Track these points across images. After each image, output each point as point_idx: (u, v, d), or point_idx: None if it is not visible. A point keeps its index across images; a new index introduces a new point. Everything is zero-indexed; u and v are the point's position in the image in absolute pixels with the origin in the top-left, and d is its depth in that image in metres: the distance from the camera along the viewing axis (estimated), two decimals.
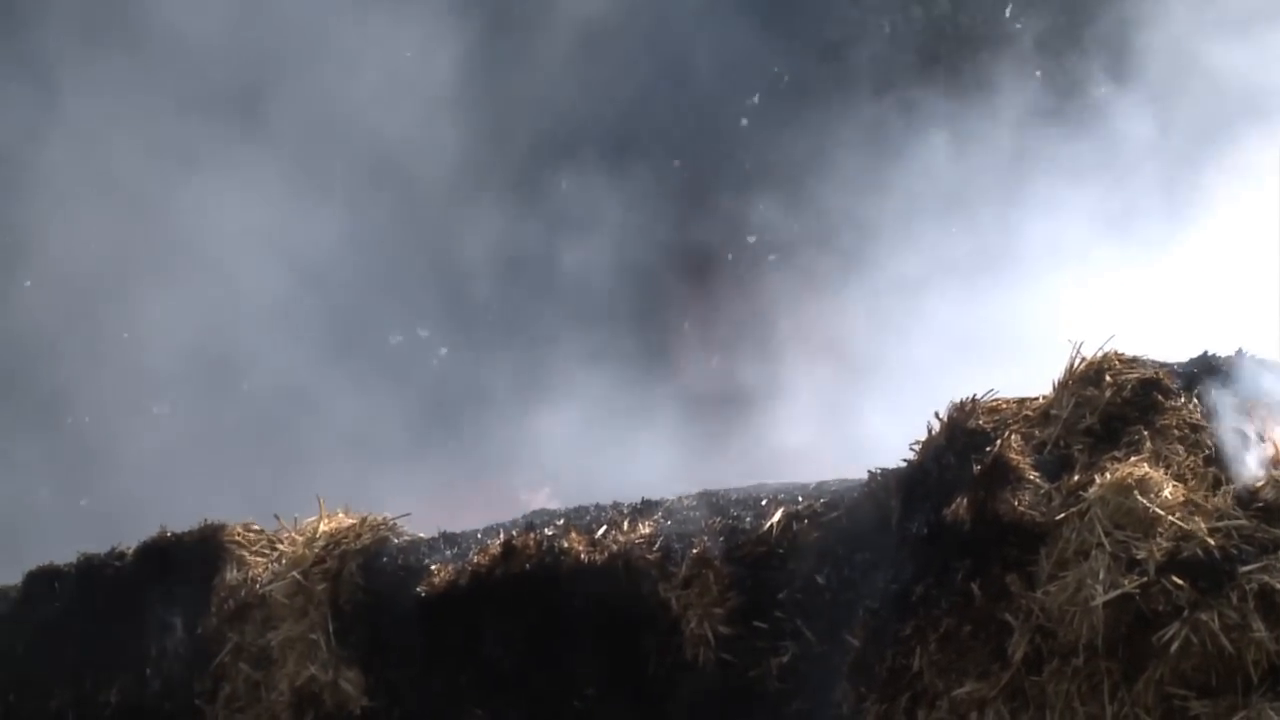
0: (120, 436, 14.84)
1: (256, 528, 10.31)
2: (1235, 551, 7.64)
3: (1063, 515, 7.89)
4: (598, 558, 9.11)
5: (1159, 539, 7.69)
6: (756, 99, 15.31)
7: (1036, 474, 8.11)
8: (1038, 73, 14.61)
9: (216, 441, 14.55)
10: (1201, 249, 10.72)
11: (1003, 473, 8.12)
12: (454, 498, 12.43)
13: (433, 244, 15.07)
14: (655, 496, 9.48)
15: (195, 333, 14.89)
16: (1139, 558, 7.68)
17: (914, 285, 12.68)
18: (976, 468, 8.20)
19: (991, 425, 8.37)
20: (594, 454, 12.81)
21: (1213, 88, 12.34)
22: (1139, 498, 7.77)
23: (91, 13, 15.33)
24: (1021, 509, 8.00)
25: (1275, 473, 7.93)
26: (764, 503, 9.21)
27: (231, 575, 10.08)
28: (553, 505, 10.19)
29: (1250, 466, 7.98)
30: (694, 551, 8.97)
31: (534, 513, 10.03)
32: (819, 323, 13.01)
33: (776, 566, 8.87)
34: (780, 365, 13.03)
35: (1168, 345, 8.55)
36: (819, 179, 14.33)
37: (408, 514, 10.02)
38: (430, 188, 15.06)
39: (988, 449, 8.23)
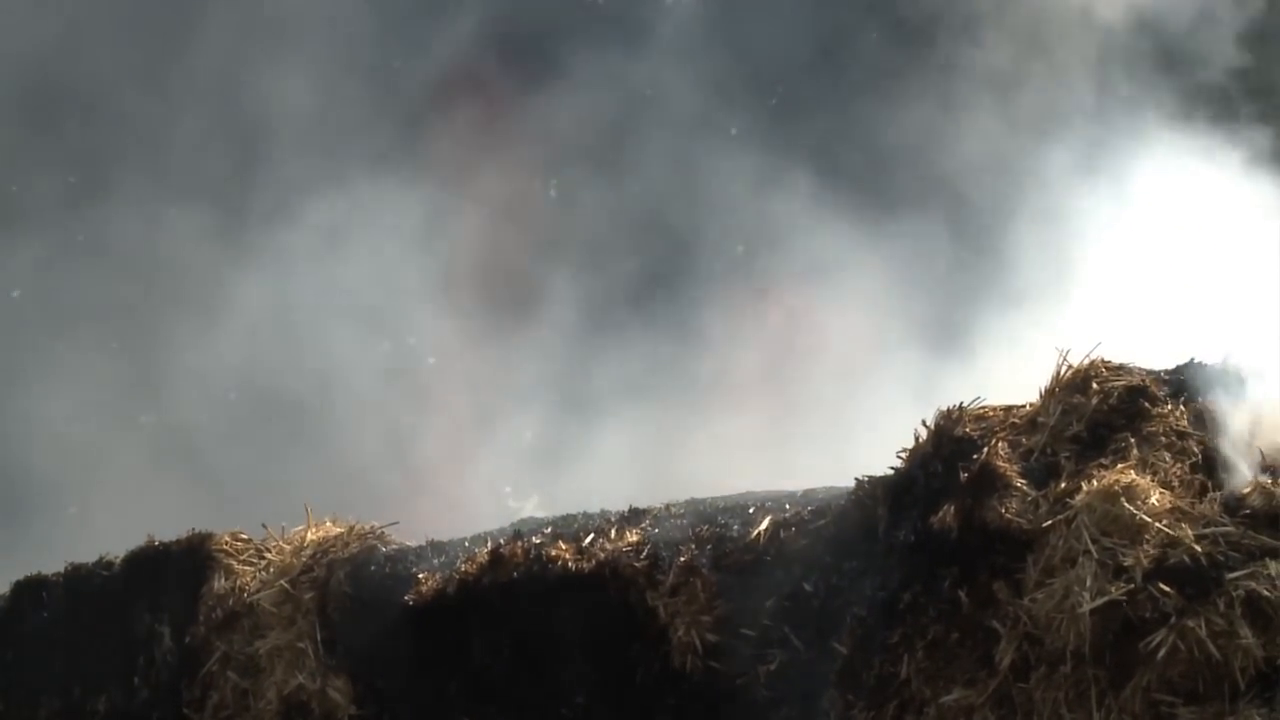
0: (108, 445, 14.84)
1: (244, 537, 10.30)
2: (1222, 558, 7.65)
3: (1050, 523, 7.90)
4: (585, 566, 9.10)
5: (1146, 546, 7.70)
6: (737, 124, 15.33)
7: (1023, 481, 8.11)
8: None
9: (203, 450, 14.54)
10: (1190, 254, 10.73)
11: (990, 480, 8.13)
12: (439, 505, 12.44)
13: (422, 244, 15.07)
14: (642, 504, 9.49)
15: (181, 343, 14.87)
16: (1126, 565, 7.69)
17: (898, 289, 12.70)
18: (964, 475, 8.21)
19: (978, 433, 8.38)
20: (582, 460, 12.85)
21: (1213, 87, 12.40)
22: (1126, 505, 7.78)
23: None
24: (1009, 516, 8.01)
25: (1262, 479, 7.94)
26: (751, 510, 9.22)
27: (219, 584, 10.08)
28: (540, 513, 10.19)
29: (1237, 473, 7.99)
30: (681, 559, 8.97)
31: (521, 521, 10.04)
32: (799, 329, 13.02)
33: (764, 574, 8.87)
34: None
35: (1155, 352, 8.56)
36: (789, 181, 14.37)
37: (395, 522, 10.02)
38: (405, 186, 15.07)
39: (975, 456, 8.24)
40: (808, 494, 9.29)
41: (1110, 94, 13.56)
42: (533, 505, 11.28)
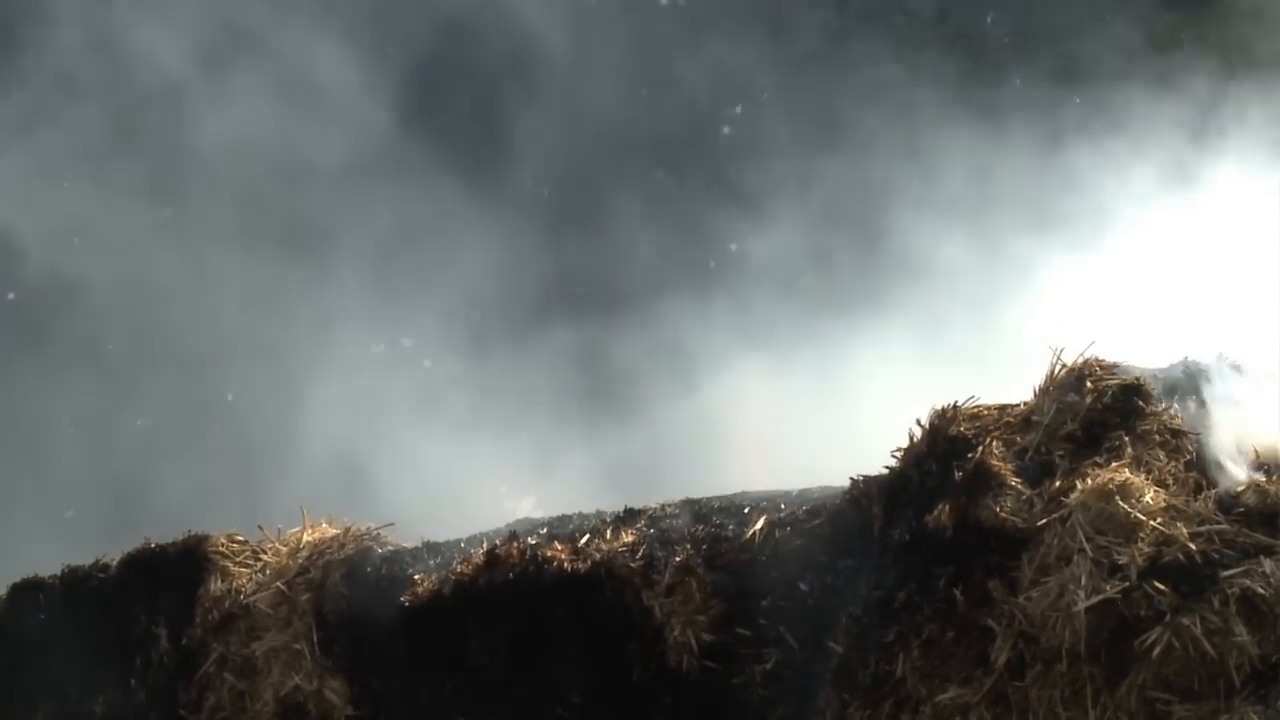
0: (104, 448, 14.85)
1: (240, 538, 10.31)
2: (1217, 556, 7.67)
3: (1044, 521, 7.91)
4: (581, 566, 9.12)
5: (1141, 544, 7.72)
6: (739, 109, 15.37)
7: (1018, 480, 8.12)
8: (1018, 80, 14.66)
9: (200, 452, 14.54)
10: (1183, 252, 10.74)
11: (984, 479, 8.14)
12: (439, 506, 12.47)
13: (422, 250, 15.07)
14: (638, 504, 9.51)
15: (178, 343, 14.88)
16: (1121, 563, 7.71)
17: (892, 290, 12.70)
18: (958, 474, 8.22)
19: (973, 432, 8.38)
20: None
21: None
22: (1120, 503, 7.80)
23: None
24: (1003, 515, 8.02)
25: (1256, 477, 7.96)
26: (746, 510, 9.23)
27: (215, 586, 10.08)
28: (536, 514, 10.20)
29: (1231, 471, 8.00)
30: (677, 559, 8.98)
31: (517, 521, 10.05)
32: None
33: (759, 574, 8.88)
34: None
35: (1149, 350, 8.57)
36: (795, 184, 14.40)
37: (391, 524, 10.03)
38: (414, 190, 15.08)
39: (969, 455, 8.24)
40: (803, 493, 9.30)
41: (1108, 85, 13.56)
42: (529, 506, 11.28)
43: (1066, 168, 12.59)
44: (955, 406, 8.53)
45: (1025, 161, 13.15)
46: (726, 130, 15.28)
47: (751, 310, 13.66)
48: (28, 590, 10.79)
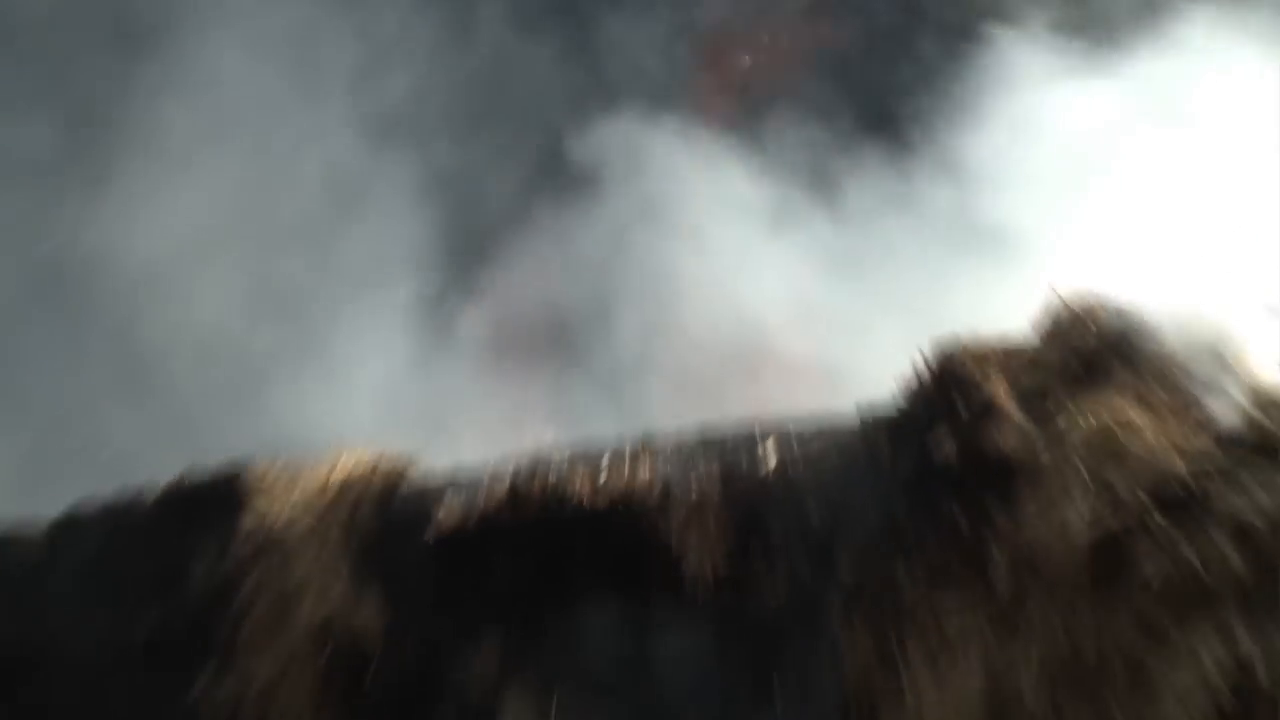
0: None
1: (275, 471, 10.34)
2: (1213, 488, 7.90)
3: (1047, 455, 8.12)
4: (600, 500, 9.29)
5: (1140, 476, 7.94)
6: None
7: (1021, 416, 8.31)
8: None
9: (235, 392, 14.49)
10: (1187, 196, 10.73)
11: (989, 415, 8.34)
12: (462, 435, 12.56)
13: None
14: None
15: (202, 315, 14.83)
16: (1120, 494, 7.94)
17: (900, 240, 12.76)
18: (963, 409, 8.41)
19: (978, 369, 8.56)
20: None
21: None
22: (1121, 438, 8.02)
23: None
24: (1007, 449, 8.23)
25: (1254, 413, 8.16)
26: (760, 443, 9.38)
27: (251, 517, 10.16)
28: (557, 447, 10.24)
29: (1229, 406, 8.18)
30: (693, 493, 9.17)
31: (538, 454, 10.10)
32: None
33: (773, 506, 9.07)
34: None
35: (1150, 290, 8.72)
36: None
37: (420, 455, 10.15)
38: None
39: (974, 392, 8.44)
40: (815, 426, 9.40)
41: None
42: (550, 438, 11.31)
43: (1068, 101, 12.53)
44: (960, 344, 8.70)
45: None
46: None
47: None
48: (69, 524, 10.89)
